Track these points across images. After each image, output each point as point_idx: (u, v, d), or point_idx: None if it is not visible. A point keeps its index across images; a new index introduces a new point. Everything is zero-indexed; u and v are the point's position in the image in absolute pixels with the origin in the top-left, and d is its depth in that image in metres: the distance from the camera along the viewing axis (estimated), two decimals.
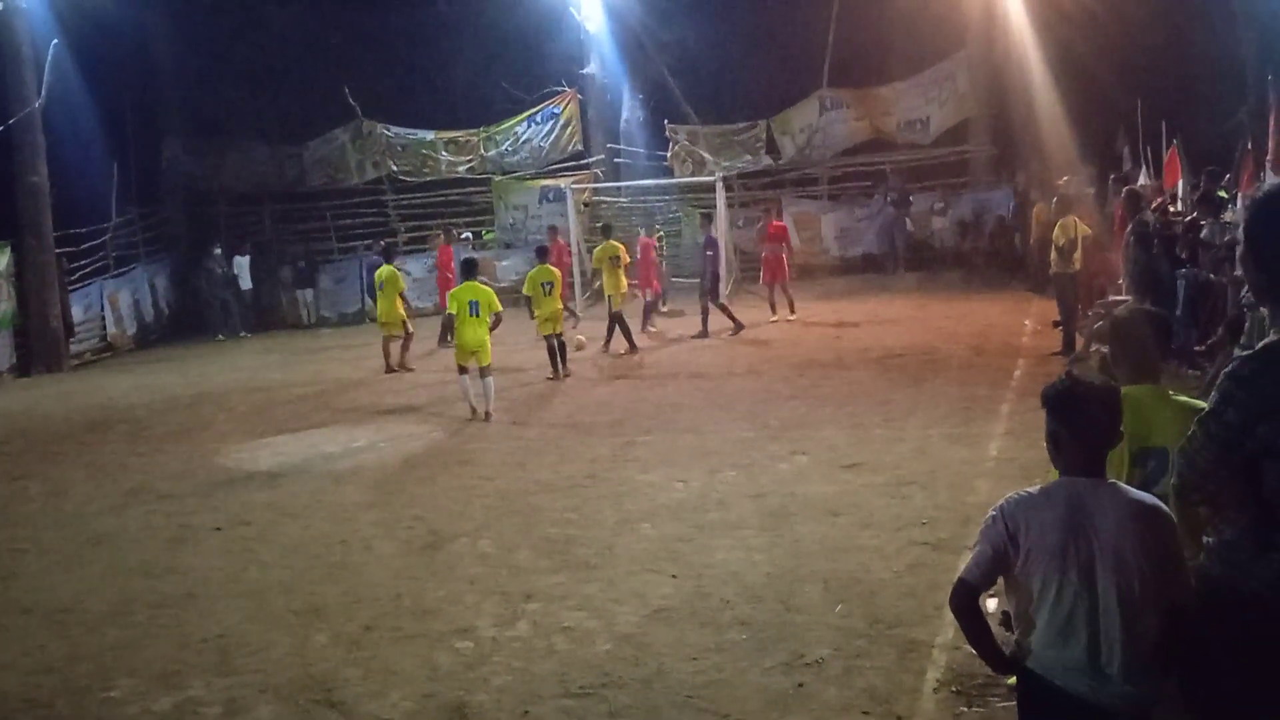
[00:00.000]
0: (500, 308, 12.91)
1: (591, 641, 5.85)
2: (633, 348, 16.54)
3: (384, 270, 16.75)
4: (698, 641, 5.73)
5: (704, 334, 17.71)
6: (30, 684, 5.84)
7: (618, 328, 16.73)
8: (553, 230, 20.01)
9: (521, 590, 6.71)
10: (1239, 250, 3.03)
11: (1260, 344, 2.86)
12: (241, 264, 24.73)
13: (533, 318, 14.79)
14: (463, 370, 12.67)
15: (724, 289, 18.75)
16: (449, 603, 6.60)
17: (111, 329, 22.74)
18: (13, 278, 19.91)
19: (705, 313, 17.83)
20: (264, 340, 22.73)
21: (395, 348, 16.53)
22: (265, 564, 7.69)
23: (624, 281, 17.48)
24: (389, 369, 16.35)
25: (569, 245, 21.08)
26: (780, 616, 6.00)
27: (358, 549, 7.89)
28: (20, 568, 8.07)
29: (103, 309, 22.57)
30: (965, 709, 4.84)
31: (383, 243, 21.27)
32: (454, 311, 12.76)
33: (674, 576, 6.76)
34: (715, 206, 22.07)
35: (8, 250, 19.85)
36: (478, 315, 12.58)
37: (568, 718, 5.01)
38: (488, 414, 12.40)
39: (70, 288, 21.34)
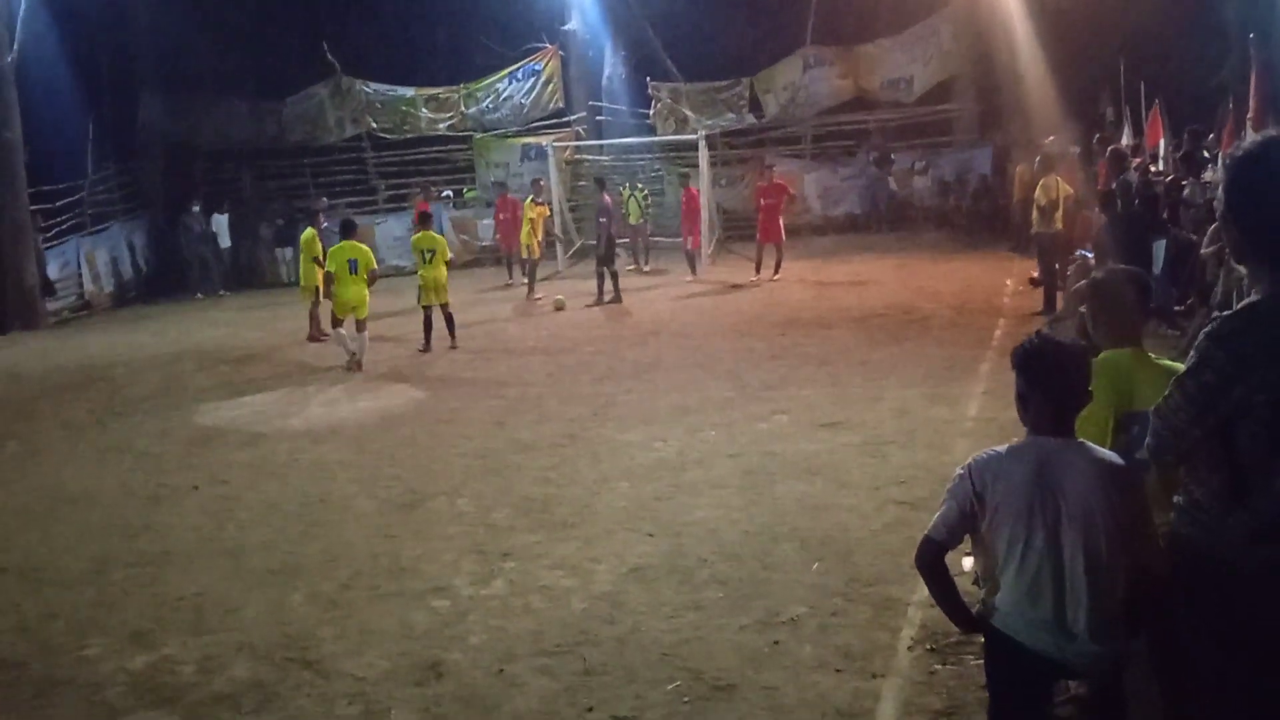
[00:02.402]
0: (375, 265, 13.71)
1: (568, 600, 5.85)
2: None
3: (305, 233, 16.53)
4: (674, 600, 5.74)
5: (599, 300, 17.55)
6: (3, 643, 5.81)
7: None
8: (535, 182, 20.03)
9: (499, 549, 6.71)
10: (1218, 210, 2.99)
11: (1240, 303, 2.84)
12: (220, 222, 24.53)
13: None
14: (337, 323, 13.48)
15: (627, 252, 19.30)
16: (426, 561, 6.60)
17: (89, 287, 22.55)
18: None
19: (601, 279, 17.64)
20: (243, 298, 22.59)
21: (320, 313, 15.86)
22: (243, 523, 7.67)
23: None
24: (311, 336, 15.90)
25: (516, 200, 21.19)
26: (757, 575, 6.01)
27: (336, 508, 7.87)
28: None
29: (80, 267, 22.39)
30: (940, 666, 4.86)
31: (308, 208, 21.35)
32: (333, 269, 13.33)
33: (651, 535, 6.76)
34: (698, 164, 22.05)
35: None
36: (356, 273, 13.27)
37: (543, 675, 5.01)
38: (359, 363, 13.13)
39: (46, 245, 21.18)
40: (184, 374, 13.95)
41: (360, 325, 13.37)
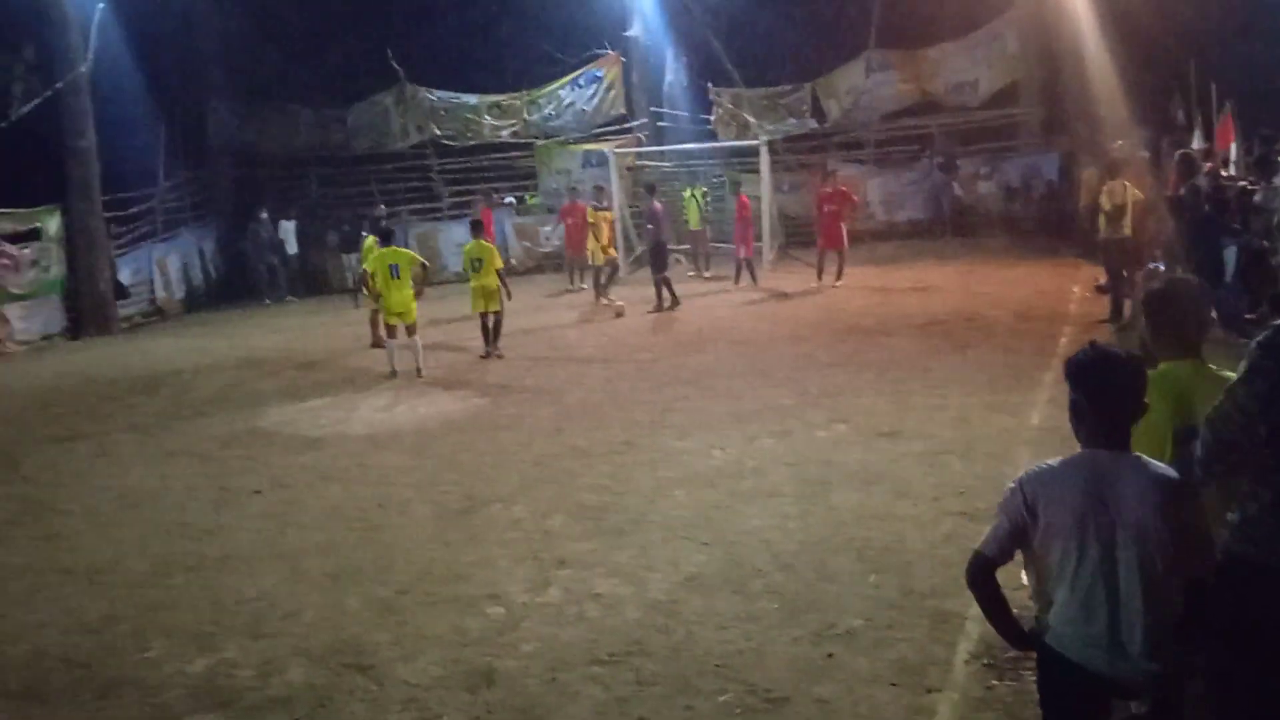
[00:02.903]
0: (421, 263, 13.81)
1: (622, 609, 5.84)
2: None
3: (366, 241, 16.56)
4: (728, 610, 5.71)
5: (659, 307, 17.47)
6: (68, 643, 5.93)
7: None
8: (599, 189, 20.09)
9: (554, 556, 6.72)
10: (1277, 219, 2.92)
11: None
12: (287, 228, 24.89)
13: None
14: (391, 333, 13.49)
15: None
16: (481, 567, 6.63)
17: (160, 292, 23.03)
18: (63, 242, 20.20)
19: (659, 286, 17.62)
20: (309, 304, 22.91)
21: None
22: (302, 527, 7.76)
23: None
24: (375, 343, 15.62)
25: (585, 206, 21.11)
26: (812, 586, 5.96)
27: (394, 513, 7.94)
28: (63, 528, 8.20)
29: (151, 273, 22.84)
30: (997, 681, 4.78)
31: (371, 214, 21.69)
32: (370, 269, 13.52)
33: (707, 544, 6.73)
34: (759, 170, 21.98)
35: (57, 214, 20.12)
36: (399, 277, 13.33)
37: (595, 685, 5.01)
38: (419, 370, 13.19)
39: (119, 252, 21.63)
40: (249, 378, 14.17)
41: (410, 330, 13.46)
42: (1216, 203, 12.23)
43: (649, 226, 17.91)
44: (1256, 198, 12.31)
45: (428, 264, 14.05)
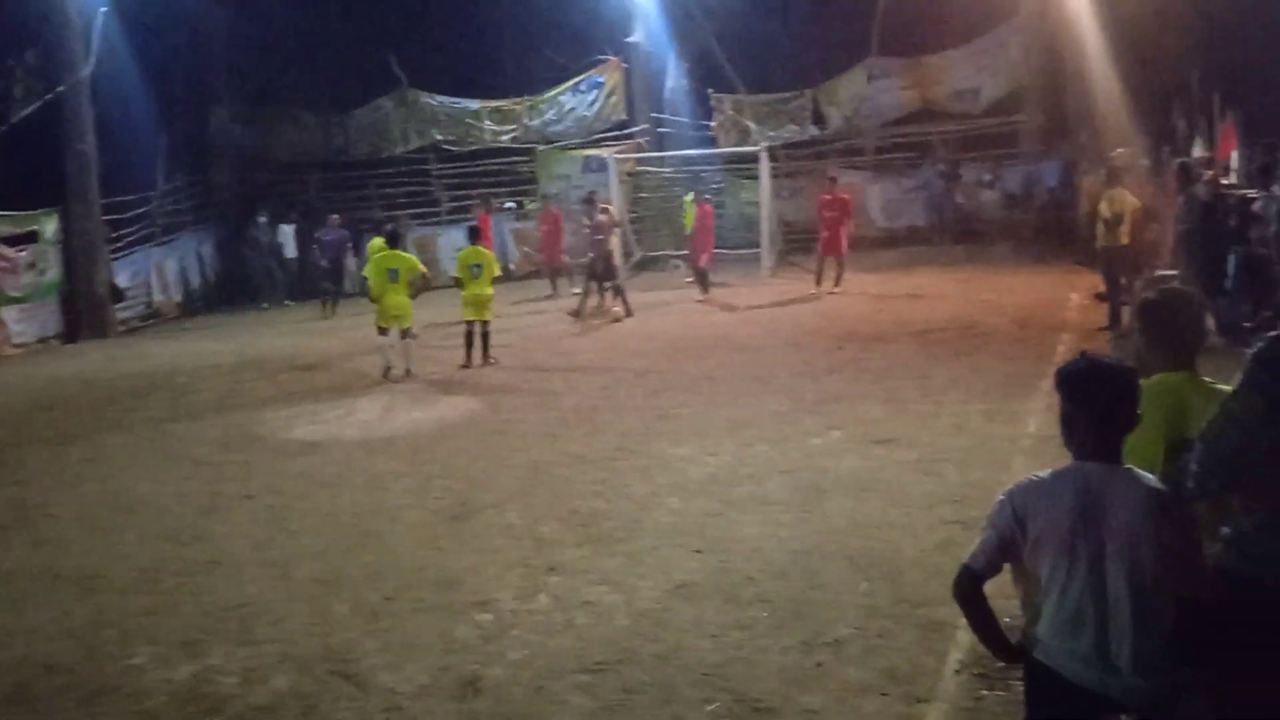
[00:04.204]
0: (421, 272, 13.86)
1: (611, 617, 5.79)
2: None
3: (372, 242, 16.55)
4: (718, 618, 5.66)
5: (627, 314, 17.60)
6: (53, 649, 5.88)
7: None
8: (591, 195, 19.92)
9: (545, 563, 6.67)
10: (1273, 229, 2.87)
11: None
12: (286, 232, 24.84)
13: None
14: (383, 331, 13.57)
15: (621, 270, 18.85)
16: (471, 574, 6.58)
17: (158, 296, 22.98)
18: (60, 245, 20.18)
19: (617, 293, 17.81)
20: (308, 308, 22.84)
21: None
22: (293, 532, 7.71)
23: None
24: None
25: (559, 212, 21.19)
26: (804, 594, 5.91)
27: (386, 518, 7.89)
28: (54, 533, 8.15)
29: (149, 276, 22.80)
30: (986, 691, 4.73)
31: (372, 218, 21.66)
32: (369, 275, 13.66)
33: (699, 551, 6.68)
34: (759, 176, 21.95)
35: (55, 217, 20.09)
36: (396, 281, 13.42)
37: (582, 693, 4.96)
38: (408, 371, 13.39)
39: (118, 255, 21.61)
40: (245, 383, 14.13)
41: (405, 333, 13.53)
42: (1216, 211, 12.18)
43: (597, 238, 18.01)
44: (1256, 206, 12.27)
45: (428, 274, 14.02)
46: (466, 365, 13.91)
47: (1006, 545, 3.06)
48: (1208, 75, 17.86)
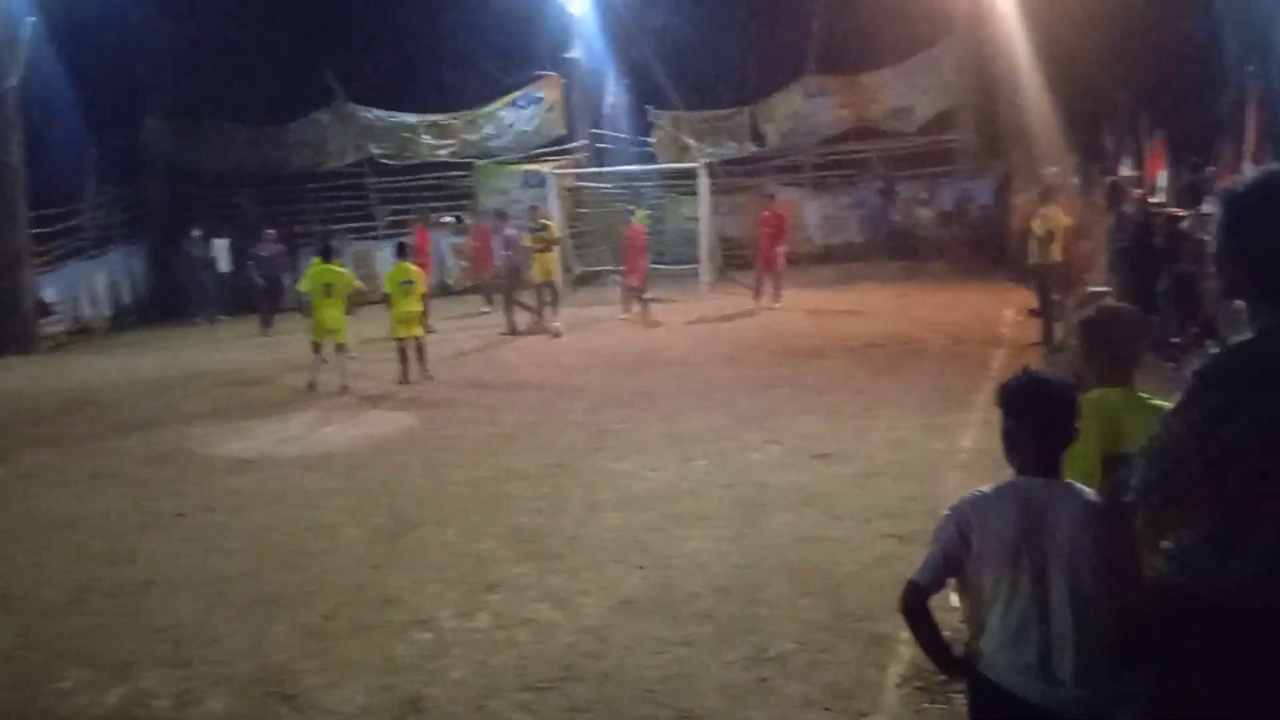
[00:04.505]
0: (356, 286, 13.95)
1: (553, 634, 5.75)
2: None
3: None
4: (661, 634, 5.64)
5: (513, 331, 17.88)
6: None
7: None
8: (534, 209, 19.74)
9: (485, 580, 6.61)
10: (1214, 244, 2.91)
11: (1233, 341, 2.76)
12: (220, 246, 24.48)
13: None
14: (317, 347, 13.56)
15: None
16: (411, 592, 6.50)
17: (87, 311, 22.45)
18: None
19: (508, 309, 18.14)
20: (241, 324, 22.51)
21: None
22: (228, 551, 7.57)
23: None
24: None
25: (489, 228, 21.08)
26: (746, 609, 5.92)
27: (323, 536, 7.77)
28: None
29: (77, 291, 22.28)
30: (928, 705, 4.76)
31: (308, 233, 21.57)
32: (306, 290, 13.66)
33: (641, 568, 6.67)
34: (699, 192, 22.03)
35: None
36: (331, 296, 13.50)
37: (524, 712, 4.92)
38: (344, 387, 13.31)
39: (45, 269, 21.12)
40: (177, 399, 13.88)
41: (340, 348, 13.54)
42: (1145, 229, 12.44)
43: (506, 253, 18.32)
44: (1184, 225, 12.54)
45: (364, 287, 14.03)
46: (404, 381, 13.78)
47: (951, 560, 3.08)
48: (1136, 96, 18.26)
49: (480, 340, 17.47)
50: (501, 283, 18.20)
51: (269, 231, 22.78)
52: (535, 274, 18.35)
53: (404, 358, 13.88)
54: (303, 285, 13.91)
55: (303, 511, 8.44)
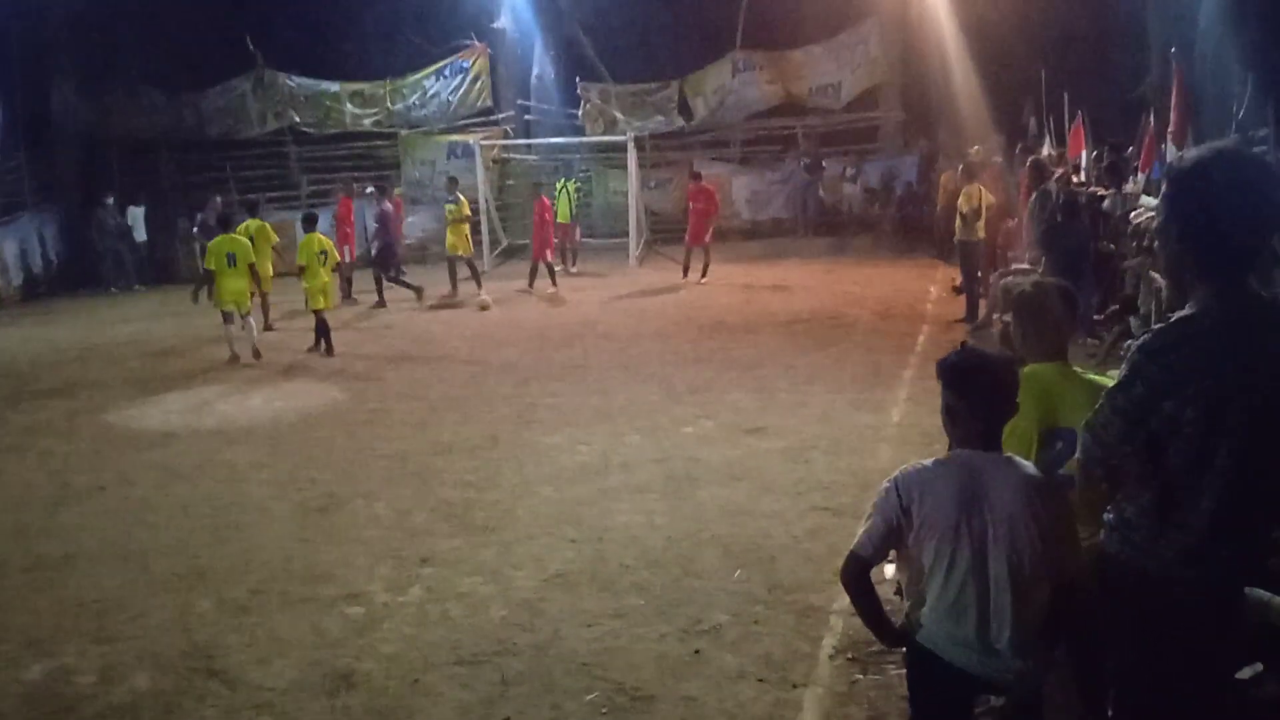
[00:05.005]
0: (254, 258, 14.01)
1: (486, 607, 5.72)
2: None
3: (253, 224, 16.46)
4: (595, 607, 5.64)
5: (381, 304, 17.97)
6: None
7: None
8: (453, 181, 19.46)
9: (416, 554, 6.55)
10: (1155, 222, 2.95)
11: (1175, 316, 2.80)
12: (136, 214, 23.91)
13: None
14: (227, 317, 13.67)
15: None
16: (341, 567, 6.42)
17: None
18: None
19: (379, 282, 18.17)
20: (159, 294, 21.98)
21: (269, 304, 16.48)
22: (150, 526, 7.41)
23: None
24: (266, 326, 15.90)
25: (351, 200, 20.45)
26: (679, 582, 5.93)
27: (249, 511, 7.64)
28: None
29: None
30: (861, 676, 4.82)
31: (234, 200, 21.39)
32: (212, 266, 13.64)
33: (573, 541, 6.65)
34: (628, 166, 21.96)
35: None
36: (235, 266, 13.60)
37: (458, 686, 4.88)
38: (256, 353, 13.48)
39: None
40: (93, 370, 13.54)
41: (245, 315, 13.71)
42: (1072, 208, 12.63)
43: (377, 226, 18.34)
44: (1105, 204, 12.77)
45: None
46: (330, 353, 13.63)
47: (892, 532, 3.11)
48: (1057, 75, 18.51)
49: (404, 313, 17.26)
50: (376, 257, 18.26)
51: (215, 199, 22.08)
52: (448, 246, 18.40)
53: (326, 329, 13.81)
54: (209, 261, 13.76)
55: (227, 485, 8.29)
